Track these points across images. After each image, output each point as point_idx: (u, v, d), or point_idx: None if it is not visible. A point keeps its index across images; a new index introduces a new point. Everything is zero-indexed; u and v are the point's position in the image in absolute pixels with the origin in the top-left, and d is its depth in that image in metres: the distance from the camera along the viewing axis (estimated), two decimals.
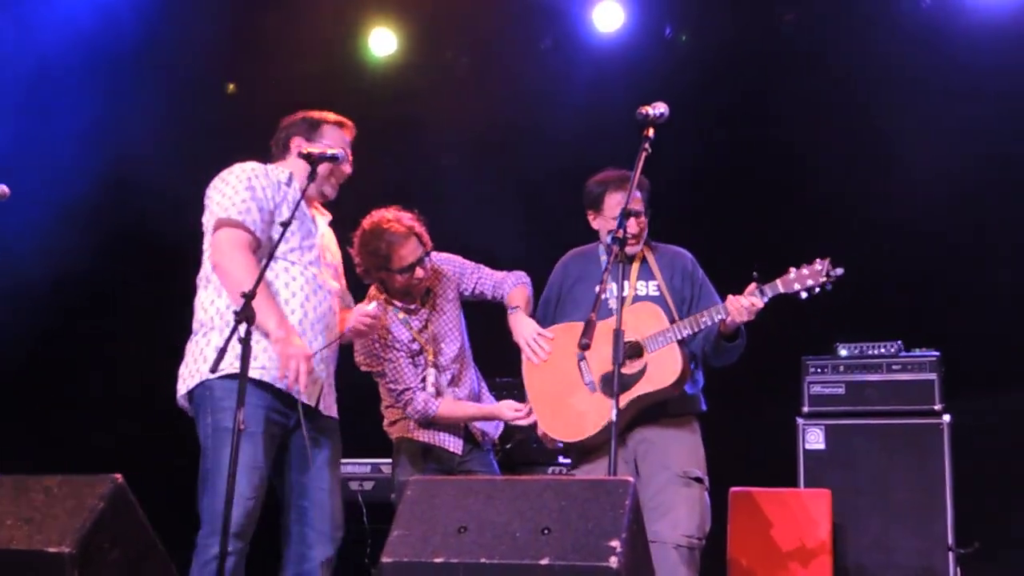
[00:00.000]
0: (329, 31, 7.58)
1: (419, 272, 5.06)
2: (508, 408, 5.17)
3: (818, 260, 4.60)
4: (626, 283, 4.86)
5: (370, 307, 4.59)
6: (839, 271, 4.57)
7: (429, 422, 5.13)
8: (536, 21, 7.44)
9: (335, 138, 4.57)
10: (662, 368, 4.69)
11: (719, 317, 4.65)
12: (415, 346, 5.15)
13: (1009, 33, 6.48)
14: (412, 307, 5.18)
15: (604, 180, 4.95)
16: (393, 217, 5.07)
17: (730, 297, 4.65)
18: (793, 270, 4.61)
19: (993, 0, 6.65)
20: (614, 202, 4.85)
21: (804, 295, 4.60)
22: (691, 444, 4.85)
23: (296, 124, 4.60)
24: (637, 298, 4.88)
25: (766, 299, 4.61)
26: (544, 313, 5.10)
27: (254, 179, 4.36)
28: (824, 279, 4.56)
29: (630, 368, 4.61)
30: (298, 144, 4.53)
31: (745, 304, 4.59)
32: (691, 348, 4.87)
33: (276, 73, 7.32)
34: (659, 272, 4.95)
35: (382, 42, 7.68)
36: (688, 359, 4.76)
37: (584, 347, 4.10)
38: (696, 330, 4.70)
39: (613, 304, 4.58)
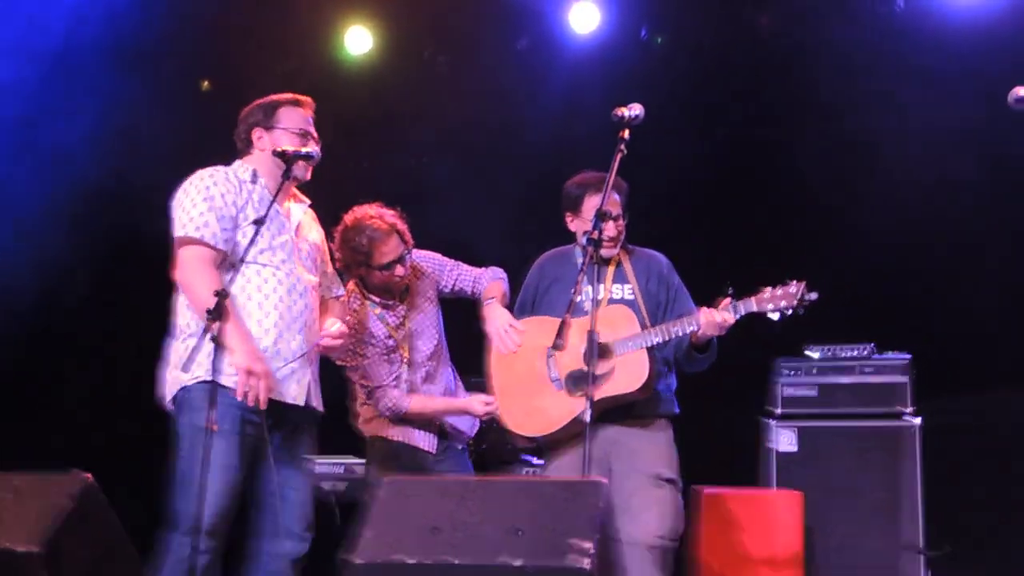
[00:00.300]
0: (305, 29, 7.54)
1: (399, 270, 5.06)
2: (478, 402, 5.18)
3: (793, 282, 4.60)
4: (601, 286, 4.87)
5: (333, 329, 4.57)
6: (813, 296, 4.57)
7: (402, 420, 5.13)
8: (513, 21, 7.43)
9: (293, 119, 4.50)
10: (629, 372, 4.69)
11: (691, 329, 4.66)
12: (391, 342, 5.15)
13: (985, 35, 6.50)
14: (390, 303, 5.18)
15: (583, 182, 4.94)
16: (375, 214, 5.06)
17: (703, 310, 4.66)
18: (768, 289, 4.62)
19: (967, 1, 6.67)
20: (593, 204, 4.83)
21: (776, 316, 4.61)
22: (664, 446, 4.86)
23: (252, 114, 4.53)
24: (612, 301, 4.88)
25: (738, 316, 4.62)
26: (520, 316, 5.09)
27: (212, 187, 4.32)
28: (796, 303, 4.57)
29: (597, 369, 4.61)
30: (258, 135, 4.48)
31: (717, 320, 4.60)
32: (664, 353, 4.88)
33: (252, 71, 7.28)
34: (634, 276, 4.95)
35: (358, 40, 7.65)
36: (655, 365, 4.76)
37: (558, 348, 4.11)
38: (667, 339, 4.71)
39: (588, 307, 4.58)
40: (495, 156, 7.65)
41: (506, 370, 4.98)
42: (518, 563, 3.15)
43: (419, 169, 7.96)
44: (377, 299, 5.18)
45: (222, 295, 3.89)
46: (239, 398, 4.12)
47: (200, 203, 4.27)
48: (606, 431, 4.79)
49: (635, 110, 4.42)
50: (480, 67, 7.55)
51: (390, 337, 5.14)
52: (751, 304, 4.62)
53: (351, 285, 5.21)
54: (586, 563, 3.10)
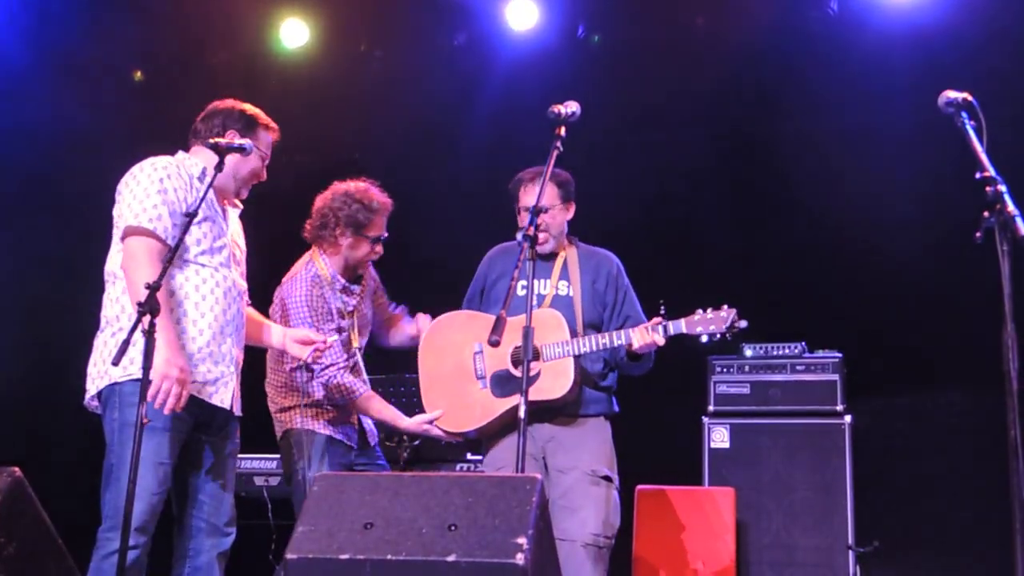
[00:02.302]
0: (240, 20, 7.47)
1: (379, 248, 5.13)
2: (420, 423, 5.06)
3: (725, 307, 4.63)
4: (548, 282, 4.88)
5: (331, 339, 4.67)
6: (743, 324, 4.62)
7: (325, 408, 5.07)
8: (450, 17, 7.41)
9: (267, 142, 4.52)
10: (553, 379, 4.70)
11: (619, 342, 4.68)
12: (344, 323, 5.11)
13: (917, 39, 6.57)
14: (349, 286, 5.15)
15: (520, 176, 4.96)
16: (380, 189, 5.17)
17: (638, 328, 4.68)
18: (699, 312, 4.64)
19: (899, 6, 6.74)
20: (523, 196, 4.87)
21: (705, 339, 4.64)
22: (601, 443, 4.87)
23: (233, 117, 4.47)
24: (557, 298, 4.88)
25: (668, 337, 4.64)
26: (468, 307, 5.09)
27: (166, 179, 4.26)
28: (726, 328, 4.60)
29: (522, 372, 4.60)
30: (232, 136, 4.40)
31: (648, 340, 4.63)
32: (603, 354, 4.88)
33: (186, 62, 7.21)
34: (578, 274, 4.94)
35: (294, 33, 7.59)
36: (580, 373, 4.76)
37: (494, 344, 4.09)
38: (595, 350, 4.72)
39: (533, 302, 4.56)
40: (431, 152, 7.62)
41: (434, 363, 4.97)
42: (452, 559, 3.14)
43: (353, 165, 7.90)
44: (342, 277, 5.15)
45: (153, 288, 3.83)
46: (149, 398, 3.96)
47: (154, 194, 4.21)
48: (543, 428, 4.80)
49: (571, 107, 4.41)
50: (417, 62, 7.53)
51: (344, 318, 5.12)
52: (680, 326, 4.64)
53: (314, 259, 5.16)
54: (520, 559, 3.09)
